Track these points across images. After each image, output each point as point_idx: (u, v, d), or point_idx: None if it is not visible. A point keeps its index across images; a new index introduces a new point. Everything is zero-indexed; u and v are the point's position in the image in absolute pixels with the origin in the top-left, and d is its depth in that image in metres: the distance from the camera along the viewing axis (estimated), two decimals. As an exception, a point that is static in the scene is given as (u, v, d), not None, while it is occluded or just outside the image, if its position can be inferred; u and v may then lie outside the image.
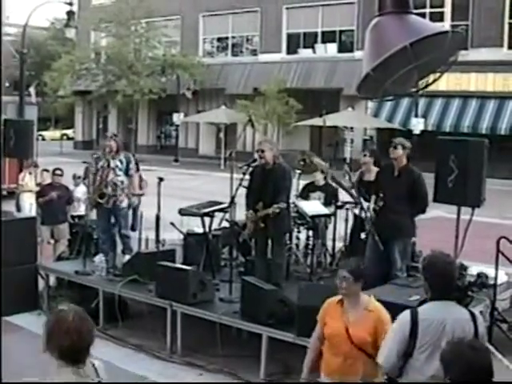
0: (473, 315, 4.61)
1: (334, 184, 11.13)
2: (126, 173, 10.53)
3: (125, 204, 10.58)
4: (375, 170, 9.99)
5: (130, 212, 11.74)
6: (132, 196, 10.86)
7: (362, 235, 9.42)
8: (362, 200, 9.70)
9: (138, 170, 11.60)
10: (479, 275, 8.80)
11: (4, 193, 15.25)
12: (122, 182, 10.47)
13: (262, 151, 9.14)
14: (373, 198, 9.08)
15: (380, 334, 5.18)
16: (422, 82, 8.58)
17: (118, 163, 10.47)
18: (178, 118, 40.19)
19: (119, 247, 10.84)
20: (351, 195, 10.42)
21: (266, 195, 9.10)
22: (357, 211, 10.50)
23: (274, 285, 8.38)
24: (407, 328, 4.55)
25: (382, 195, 8.84)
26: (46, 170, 14.10)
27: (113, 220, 10.63)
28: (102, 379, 3.84)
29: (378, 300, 5.57)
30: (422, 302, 4.75)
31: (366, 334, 5.29)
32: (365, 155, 10.32)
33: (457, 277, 4.73)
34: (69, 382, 3.69)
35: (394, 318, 5.02)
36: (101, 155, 10.61)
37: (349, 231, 10.90)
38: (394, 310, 6.40)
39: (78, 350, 3.70)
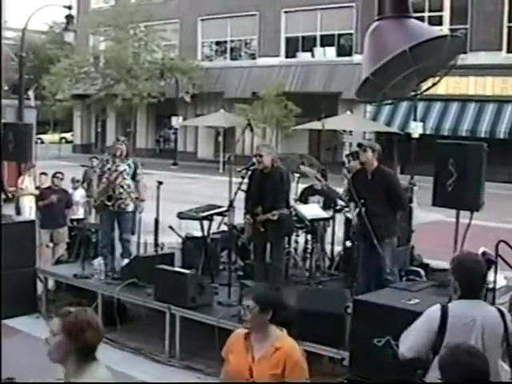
0: (501, 313, 4.66)
1: (327, 190, 11.10)
2: (133, 177, 10.60)
3: (130, 208, 10.61)
4: None
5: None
6: (139, 201, 10.85)
7: (347, 243, 9.41)
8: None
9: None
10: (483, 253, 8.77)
11: (3, 196, 15.23)
12: (129, 186, 10.53)
13: (260, 156, 9.15)
14: (352, 204, 9.06)
15: (288, 375, 4.47)
16: (420, 86, 8.59)
17: (127, 167, 10.54)
18: (176, 121, 40.19)
19: (118, 251, 10.84)
20: (344, 201, 10.41)
21: (264, 199, 9.11)
22: (349, 215, 10.47)
23: (272, 289, 8.37)
24: (436, 323, 4.61)
25: (362, 201, 8.82)
26: (45, 174, 14.10)
27: (116, 223, 10.65)
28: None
29: (378, 303, 5.53)
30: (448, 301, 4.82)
31: (271, 376, 4.50)
32: (349, 161, 10.32)
33: (486, 276, 4.75)
34: (55, 382, 3.71)
35: (394, 322, 5.03)
36: (109, 158, 10.65)
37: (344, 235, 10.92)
38: (393, 313, 6.43)
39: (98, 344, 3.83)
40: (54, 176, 13.21)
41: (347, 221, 10.59)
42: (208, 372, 8.07)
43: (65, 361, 3.74)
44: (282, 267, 9.64)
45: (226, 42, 42.86)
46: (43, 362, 3.79)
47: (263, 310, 4.57)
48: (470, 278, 4.65)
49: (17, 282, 10.00)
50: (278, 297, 4.77)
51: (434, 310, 4.70)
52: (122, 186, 10.47)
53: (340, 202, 10.96)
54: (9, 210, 13.95)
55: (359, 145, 9.18)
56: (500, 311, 4.67)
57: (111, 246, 10.75)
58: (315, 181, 11.29)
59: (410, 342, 4.74)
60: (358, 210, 8.94)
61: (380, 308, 6.75)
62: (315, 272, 10.39)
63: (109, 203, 10.38)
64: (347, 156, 10.95)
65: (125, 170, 10.53)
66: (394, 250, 8.94)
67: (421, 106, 31.40)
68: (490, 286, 8.45)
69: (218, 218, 10.86)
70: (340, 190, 10.73)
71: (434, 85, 8.42)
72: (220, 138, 38.74)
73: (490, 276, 8.48)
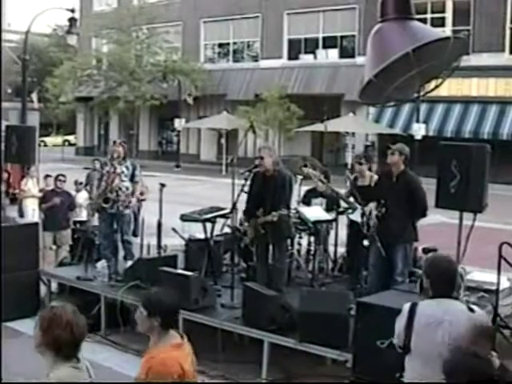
0: (472, 311, 4.66)
1: (329, 192, 11.06)
2: (131, 179, 10.60)
3: (128, 210, 10.60)
4: (369, 174, 10.05)
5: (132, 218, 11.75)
6: (136, 200, 10.87)
7: (365, 242, 9.40)
8: (357, 206, 9.72)
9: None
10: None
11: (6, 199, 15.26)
12: (127, 188, 10.53)
13: (262, 158, 9.15)
14: (373, 204, 9.06)
15: None
16: (423, 88, 8.59)
17: (125, 169, 10.54)
18: (179, 123, 40.23)
19: (121, 253, 10.85)
20: (348, 203, 10.40)
21: (265, 202, 9.11)
22: (353, 217, 10.41)
23: (275, 290, 8.38)
24: (404, 321, 4.69)
25: (382, 202, 8.86)
26: (49, 176, 14.12)
27: (115, 226, 10.65)
28: (94, 378, 3.90)
29: (381, 305, 5.52)
30: None
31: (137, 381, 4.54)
32: (361, 163, 10.27)
33: (457, 277, 4.82)
34: (66, 383, 3.73)
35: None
36: (107, 161, 10.68)
37: (347, 237, 10.90)
38: (396, 315, 6.41)
39: (76, 344, 3.79)
40: (56, 178, 13.23)
41: (351, 223, 10.55)
42: (211, 374, 8.07)
43: (43, 354, 3.81)
44: (284, 269, 9.64)
45: (228, 44, 42.87)
46: (44, 364, 3.81)
47: (150, 315, 4.53)
48: (443, 279, 4.69)
49: (20, 284, 10.01)
50: (170, 303, 4.69)
51: (404, 309, 4.77)
52: (119, 189, 10.47)
53: (343, 204, 10.96)
54: (12, 212, 13.97)
55: (388, 147, 9.16)
56: (470, 310, 4.68)
57: (114, 248, 10.76)
58: (318, 183, 11.29)
59: (396, 333, 4.84)
60: (375, 211, 8.95)
61: (383, 310, 6.74)
62: (318, 274, 10.38)
63: (106, 205, 10.38)
64: (356, 157, 10.83)
65: (123, 172, 10.53)
66: (407, 255, 8.95)
67: (423, 107, 31.41)
68: (494, 287, 8.46)
69: (220, 220, 10.86)
70: (342, 191, 10.70)
71: (436, 86, 8.42)
72: (223, 140, 38.73)
73: (494, 278, 8.51)
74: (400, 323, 4.75)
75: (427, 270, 4.78)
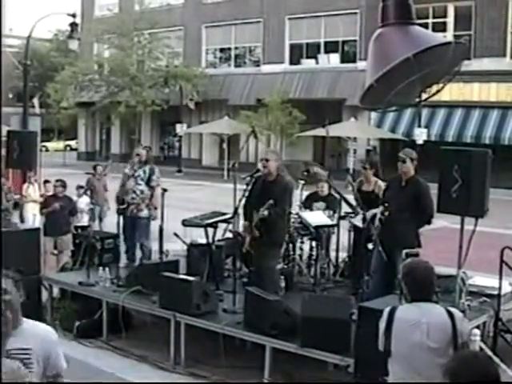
0: (450, 313, 4.73)
1: (336, 194, 11.08)
2: (147, 183, 10.71)
3: (143, 214, 10.72)
4: (374, 180, 10.03)
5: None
6: (154, 208, 10.89)
7: (370, 245, 9.40)
8: (359, 210, 9.71)
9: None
10: None
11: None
12: (142, 192, 10.65)
13: (267, 160, 9.06)
14: (380, 207, 9.06)
15: None
16: (425, 93, 8.60)
17: (141, 173, 10.70)
18: (181, 128, 40.26)
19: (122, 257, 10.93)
20: (351, 206, 10.40)
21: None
22: (356, 222, 10.39)
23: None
24: (383, 326, 4.81)
25: (387, 205, 8.83)
26: (48, 181, 14.13)
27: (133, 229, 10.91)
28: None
29: (380, 311, 5.51)
30: None
31: None
32: (365, 168, 10.25)
33: (435, 282, 4.90)
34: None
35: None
36: (132, 163, 10.89)
37: (352, 242, 10.88)
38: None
39: None
40: (55, 184, 13.23)
41: (355, 228, 10.51)
42: (213, 379, 8.07)
43: None
44: (274, 273, 9.36)
45: (230, 49, 42.94)
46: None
47: None
48: (420, 284, 4.79)
49: (21, 289, 9.99)
50: None
51: (384, 313, 4.86)
52: (134, 192, 10.60)
53: (345, 209, 10.97)
54: (13, 217, 13.95)
55: (398, 157, 9.10)
56: (448, 311, 4.74)
57: (133, 250, 10.97)
58: (322, 186, 11.31)
59: (379, 340, 4.89)
60: (379, 215, 8.94)
61: (385, 315, 6.73)
62: (320, 279, 10.38)
63: (119, 206, 10.56)
64: (361, 162, 10.71)
65: (139, 175, 10.67)
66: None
67: (425, 112, 31.40)
68: (495, 292, 8.46)
69: (222, 225, 10.86)
70: (348, 197, 10.70)
71: (438, 91, 8.43)
72: (224, 145, 38.74)
73: (496, 282, 8.51)
74: (380, 328, 4.83)
75: (404, 276, 4.87)
